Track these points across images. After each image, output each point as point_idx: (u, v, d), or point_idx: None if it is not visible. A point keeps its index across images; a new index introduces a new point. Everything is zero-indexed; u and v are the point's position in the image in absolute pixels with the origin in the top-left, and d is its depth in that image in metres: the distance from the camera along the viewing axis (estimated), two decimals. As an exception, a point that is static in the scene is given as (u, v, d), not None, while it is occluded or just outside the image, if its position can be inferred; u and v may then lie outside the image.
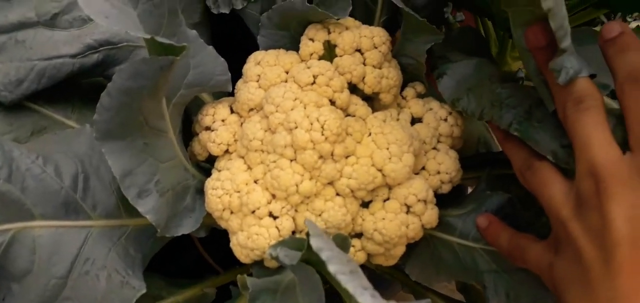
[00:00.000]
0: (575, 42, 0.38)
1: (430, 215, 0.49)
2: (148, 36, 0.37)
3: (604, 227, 0.34)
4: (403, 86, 0.54)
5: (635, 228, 0.33)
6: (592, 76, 0.38)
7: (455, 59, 0.51)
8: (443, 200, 0.51)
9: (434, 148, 0.51)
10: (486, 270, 0.50)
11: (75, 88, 0.57)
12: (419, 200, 0.48)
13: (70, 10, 0.53)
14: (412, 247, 0.52)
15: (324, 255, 0.32)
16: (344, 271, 0.31)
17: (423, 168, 0.51)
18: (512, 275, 0.48)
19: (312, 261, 0.38)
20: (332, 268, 0.31)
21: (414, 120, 0.52)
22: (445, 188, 0.51)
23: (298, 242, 0.40)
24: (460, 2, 0.65)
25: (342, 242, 0.42)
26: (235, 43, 0.54)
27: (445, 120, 0.52)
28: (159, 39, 0.37)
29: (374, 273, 0.59)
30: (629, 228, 0.33)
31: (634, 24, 0.90)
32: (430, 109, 0.52)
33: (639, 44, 0.38)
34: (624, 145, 0.37)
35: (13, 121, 0.53)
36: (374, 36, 0.50)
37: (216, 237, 0.53)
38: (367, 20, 0.54)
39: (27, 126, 0.54)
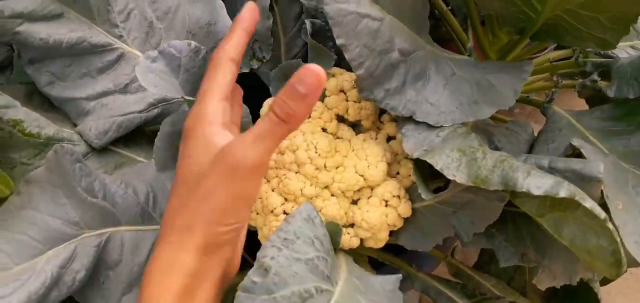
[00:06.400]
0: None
1: (404, 207, 0.58)
2: (185, 97, 0.52)
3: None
4: (381, 113, 0.65)
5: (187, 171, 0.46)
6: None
7: None
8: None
9: (406, 157, 0.62)
10: (449, 214, 0.55)
11: (142, 134, 0.68)
12: (393, 196, 0.58)
13: (136, 80, 0.61)
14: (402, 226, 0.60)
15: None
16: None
17: (398, 173, 0.61)
18: (464, 208, 0.54)
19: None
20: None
21: (389, 138, 0.62)
22: (419, 187, 0.62)
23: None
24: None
25: (334, 227, 0.56)
26: (254, 92, 0.64)
27: (414, 136, 0.64)
28: (189, 98, 0.53)
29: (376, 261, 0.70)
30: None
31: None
32: (402, 128, 0.64)
33: None
34: None
35: (102, 160, 0.65)
36: (354, 79, 0.62)
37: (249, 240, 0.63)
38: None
39: (111, 163, 0.66)
